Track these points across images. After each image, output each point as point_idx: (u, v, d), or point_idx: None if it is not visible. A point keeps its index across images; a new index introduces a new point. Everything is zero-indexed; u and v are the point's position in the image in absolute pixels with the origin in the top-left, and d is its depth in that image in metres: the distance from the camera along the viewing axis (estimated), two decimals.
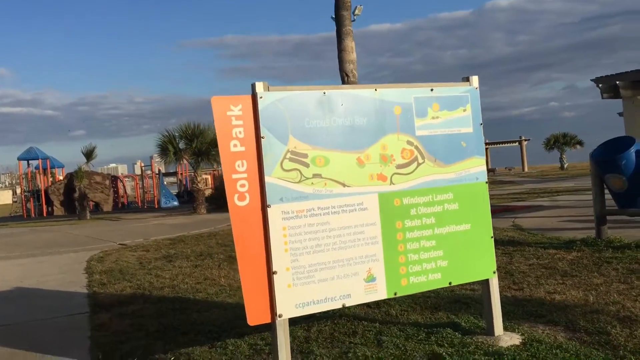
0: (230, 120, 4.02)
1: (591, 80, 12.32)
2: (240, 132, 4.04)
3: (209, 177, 44.75)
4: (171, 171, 52.02)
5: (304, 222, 4.14)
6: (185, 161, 28.60)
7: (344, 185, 4.28)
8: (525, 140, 57.44)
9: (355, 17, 33.30)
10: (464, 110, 4.74)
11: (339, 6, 18.89)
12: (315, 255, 4.15)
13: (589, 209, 9.65)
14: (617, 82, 11.80)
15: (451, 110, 4.69)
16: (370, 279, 4.32)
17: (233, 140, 4.02)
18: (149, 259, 10.56)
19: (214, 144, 24.94)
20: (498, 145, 60.28)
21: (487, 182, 4.83)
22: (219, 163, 29.01)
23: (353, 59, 19.26)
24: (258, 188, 4.06)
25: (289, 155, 4.12)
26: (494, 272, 4.80)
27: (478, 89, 4.83)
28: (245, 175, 4.04)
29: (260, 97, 4.06)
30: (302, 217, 4.14)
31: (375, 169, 4.38)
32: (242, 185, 4.03)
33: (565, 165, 50.13)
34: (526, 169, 55.41)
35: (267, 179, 4.05)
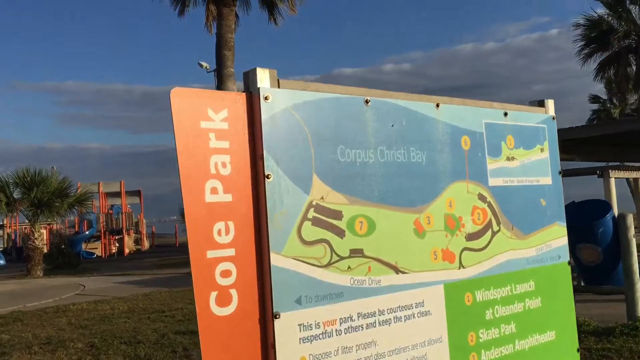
0: (205, 138, 1.99)
1: None
2: (224, 164, 2.01)
3: (44, 231, 39.48)
4: None
5: (336, 346, 2.14)
6: (16, 213, 24.25)
7: (397, 270, 2.36)
8: None
9: (208, 71, 31.75)
10: (542, 150, 3.08)
11: (220, 45, 17.07)
12: None
13: None
14: None
15: (527, 148, 3.01)
16: None
17: (210, 181, 1.97)
18: None
19: (57, 194, 21.46)
20: None
21: (569, 263, 3.16)
22: (61, 216, 25.14)
23: None
24: (255, 280, 2.02)
25: (312, 213, 2.14)
26: None
27: (555, 119, 3.21)
28: (230, 251, 1.99)
29: (266, 99, 2.07)
30: (334, 336, 2.14)
31: (439, 240, 2.52)
32: (225, 274, 1.96)
33: None
34: None
35: (274, 259, 2.02)
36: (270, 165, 2.05)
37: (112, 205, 42.25)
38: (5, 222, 48.35)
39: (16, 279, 19.61)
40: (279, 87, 2.13)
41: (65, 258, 25.41)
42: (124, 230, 38.57)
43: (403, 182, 2.41)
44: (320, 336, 2.10)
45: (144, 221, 47.68)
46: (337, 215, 2.21)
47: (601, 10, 19.24)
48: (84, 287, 15.15)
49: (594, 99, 36.78)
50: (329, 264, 2.15)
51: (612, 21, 19.23)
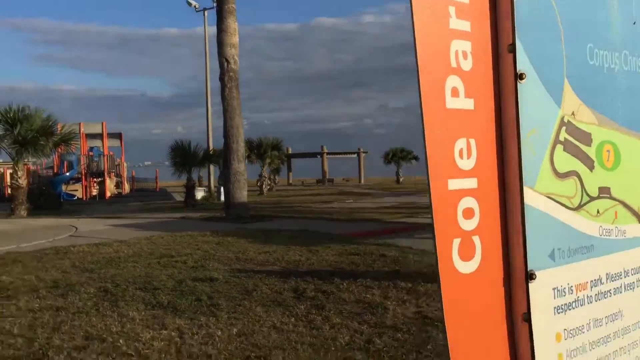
0: (445, 12, 1.33)
1: None
2: (464, 55, 1.36)
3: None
4: None
5: (588, 318, 1.56)
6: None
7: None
8: (363, 152, 58.21)
9: (215, 3, 30.33)
10: None
11: None
12: None
13: None
14: None
15: None
16: None
17: (450, 77, 1.34)
18: None
19: (43, 131, 20.46)
20: (337, 156, 60.46)
21: None
22: (46, 156, 24.17)
23: (235, 43, 16.46)
24: (498, 224, 1.41)
25: (564, 134, 1.52)
26: None
27: None
28: (472, 182, 1.37)
29: None
30: (585, 304, 1.56)
31: None
32: (468, 214, 1.35)
33: (402, 179, 51.43)
34: (362, 181, 56.08)
35: (527, 196, 1.41)
36: (522, 61, 1.42)
37: (92, 148, 41.12)
38: None
39: (2, 219, 18.81)
40: None
41: (47, 199, 24.59)
42: (105, 173, 37.61)
43: None
44: (573, 304, 1.52)
45: (125, 164, 46.75)
46: (587, 138, 1.59)
47: None
48: (77, 228, 14.47)
49: None
50: (579, 206, 1.55)
51: None
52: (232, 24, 16.24)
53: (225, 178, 16.67)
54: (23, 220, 17.97)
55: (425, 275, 7.47)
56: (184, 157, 23.57)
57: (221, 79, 16.52)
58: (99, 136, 40.73)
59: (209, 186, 29.57)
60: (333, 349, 4.60)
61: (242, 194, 16.48)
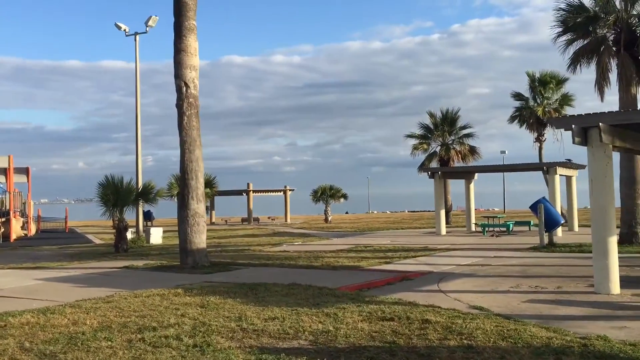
0: None
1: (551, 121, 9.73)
2: None
3: None
4: None
5: None
6: None
7: None
8: (290, 190, 56.56)
9: (147, 29, 27.98)
10: None
11: None
12: None
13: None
14: (600, 124, 9.44)
15: None
16: None
17: None
18: None
19: None
20: (263, 194, 58.38)
21: None
22: None
23: (196, 65, 14.40)
24: None
25: None
26: None
27: None
28: None
29: None
30: None
31: None
32: None
33: (330, 218, 50.12)
34: (289, 219, 54.25)
35: None
36: None
37: None
38: None
39: None
40: None
41: None
42: (11, 213, 33.48)
43: None
44: None
45: (32, 203, 42.34)
46: None
47: None
48: None
49: (517, 96, 36.95)
50: None
51: (596, 9, 18.34)
52: (193, 43, 14.18)
53: (181, 220, 14.33)
54: None
55: (508, 352, 5.82)
56: (116, 194, 20.80)
57: (179, 105, 14.30)
58: (3, 171, 36.57)
59: (136, 227, 26.62)
60: None
61: (201, 239, 14.19)
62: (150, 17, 27.29)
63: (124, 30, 27.71)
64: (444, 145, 38.64)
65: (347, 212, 77.93)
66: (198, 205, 14.21)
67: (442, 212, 27.43)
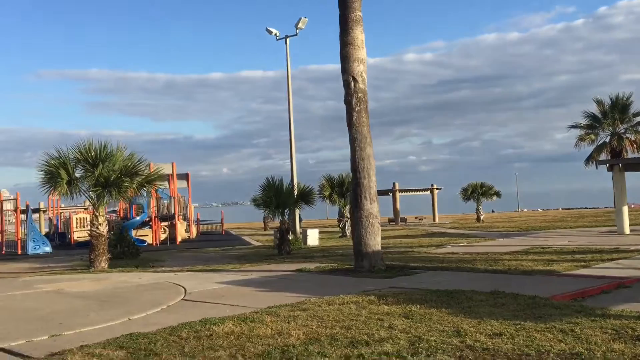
0: None
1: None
2: None
3: (87, 216, 36.39)
4: (33, 207, 42.37)
5: None
6: (61, 195, 20.09)
7: None
8: (437, 188, 54.81)
9: (297, 31, 28.01)
10: None
11: None
12: None
13: None
14: None
15: None
16: None
17: None
18: None
19: (126, 171, 18.11)
20: (409, 193, 57.16)
21: None
22: (129, 199, 21.91)
23: (363, 57, 13.64)
24: None
25: None
26: None
27: None
28: None
29: None
30: None
31: None
32: None
33: (482, 217, 47.67)
34: (437, 219, 52.51)
35: None
36: None
37: (157, 189, 39.17)
38: (48, 205, 45.72)
39: (82, 273, 16.32)
40: None
41: (125, 246, 22.16)
42: (176, 216, 35.32)
43: None
44: None
45: (193, 207, 44.64)
46: None
47: None
48: (185, 289, 11.67)
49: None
50: None
51: None
52: (360, 35, 13.50)
53: (355, 221, 13.68)
54: (107, 275, 15.37)
55: None
56: (278, 196, 20.80)
57: (347, 101, 13.70)
58: (166, 177, 38.80)
59: (294, 229, 26.70)
60: None
61: (376, 241, 13.44)
62: (300, 19, 27.32)
63: (275, 34, 27.98)
64: (615, 134, 34.95)
65: (493, 211, 74.33)
66: (372, 205, 13.46)
67: (625, 209, 24.53)
